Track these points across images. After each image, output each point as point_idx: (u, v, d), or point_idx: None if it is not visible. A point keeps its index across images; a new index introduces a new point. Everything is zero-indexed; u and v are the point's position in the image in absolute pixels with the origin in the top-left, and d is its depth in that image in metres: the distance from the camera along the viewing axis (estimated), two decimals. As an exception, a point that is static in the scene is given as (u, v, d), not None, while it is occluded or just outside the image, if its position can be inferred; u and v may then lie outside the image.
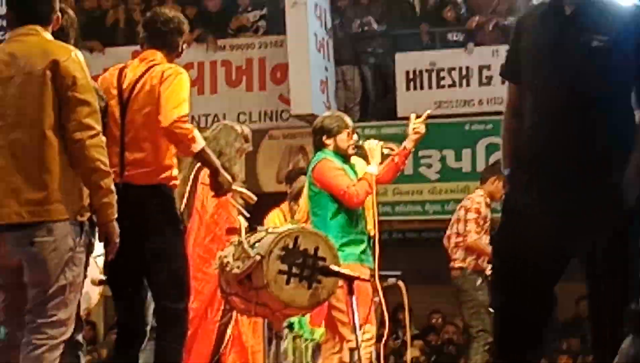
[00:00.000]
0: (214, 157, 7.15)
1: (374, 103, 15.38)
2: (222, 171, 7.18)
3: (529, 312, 5.79)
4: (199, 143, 6.77)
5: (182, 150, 6.96)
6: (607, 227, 5.51)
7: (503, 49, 14.96)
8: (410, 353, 12.00)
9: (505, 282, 5.94)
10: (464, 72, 15.14)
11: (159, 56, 7.00)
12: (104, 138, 6.23)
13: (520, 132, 5.91)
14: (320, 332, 9.10)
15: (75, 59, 6.16)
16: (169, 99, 6.63)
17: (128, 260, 6.79)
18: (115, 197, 6.18)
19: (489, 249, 10.32)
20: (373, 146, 9.03)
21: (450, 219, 12.04)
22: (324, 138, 8.99)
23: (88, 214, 6.19)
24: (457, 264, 11.64)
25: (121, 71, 6.99)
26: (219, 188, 7.13)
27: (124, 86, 6.86)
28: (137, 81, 6.83)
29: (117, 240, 6.19)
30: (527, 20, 6.16)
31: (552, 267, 5.83)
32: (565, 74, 5.66)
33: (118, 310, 7.33)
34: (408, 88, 15.33)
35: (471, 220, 11.52)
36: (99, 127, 6.12)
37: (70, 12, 6.91)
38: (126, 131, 6.81)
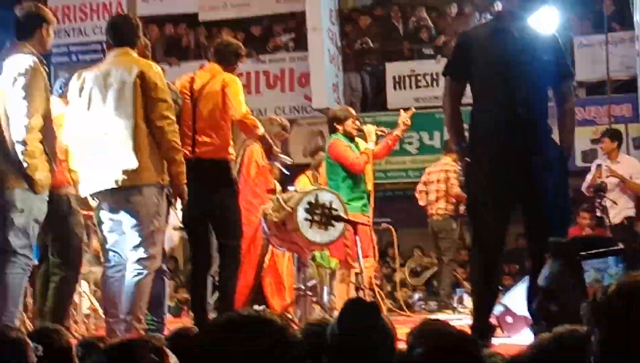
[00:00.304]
0: (268, 137, 7.34)
1: (371, 99, 15.32)
2: (273, 146, 7.50)
3: (494, 234, 5.91)
4: (261, 129, 7.00)
5: (249, 134, 7.21)
6: (537, 179, 5.72)
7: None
8: (398, 276, 11.96)
9: (478, 215, 6.06)
10: (434, 76, 15.05)
11: (219, 68, 7.01)
12: (177, 126, 6.32)
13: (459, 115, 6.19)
14: (334, 261, 9.12)
15: (155, 70, 6.26)
16: (235, 99, 6.77)
17: (199, 212, 6.92)
18: (185, 168, 6.25)
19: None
20: (370, 130, 9.06)
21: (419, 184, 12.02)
22: (336, 124, 9.00)
23: (167, 179, 6.23)
24: (439, 211, 11.56)
25: (192, 78, 7.05)
26: (273, 156, 7.60)
27: (195, 89, 6.91)
28: (204, 86, 6.85)
29: (186, 198, 6.29)
30: (476, 35, 6.32)
31: (505, 207, 5.94)
32: (516, 77, 5.79)
33: (192, 248, 7.41)
34: (395, 88, 15.29)
35: (453, 178, 11.47)
36: (174, 118, 6.23)
37: (147, 40, 7.03)
38: (196, 121, 6.83)
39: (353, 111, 9.51)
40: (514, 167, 5.76)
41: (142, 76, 6.11)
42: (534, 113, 5.87)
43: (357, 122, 9.18)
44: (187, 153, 6.72)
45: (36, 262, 7.09)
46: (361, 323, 2.93)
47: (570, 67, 6.74)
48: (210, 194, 6.86)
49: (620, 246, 3.98)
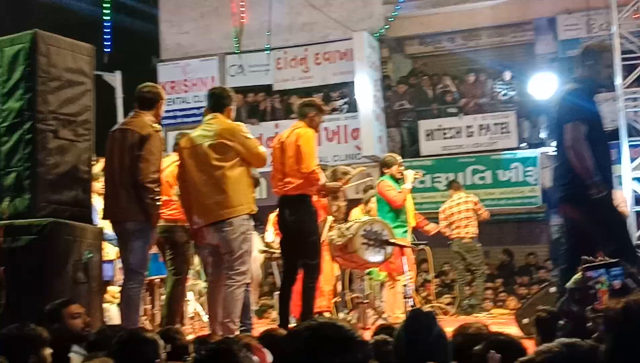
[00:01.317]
0: (329, 184, 7.19)
1: (408, 148, 15.24)
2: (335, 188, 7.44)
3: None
4: (321, 180, 6.77)
5: (309, 186, 6.76)
6: None
7: (480, 117, 15.04)
8: (433, 285, 11.88)
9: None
10: (458, 130, 14.99)
11: (301, 124, 6.85)
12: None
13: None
14: (383, 275, 9.09)
15: (242, 129, 6.26)
16: (306, 154, 6.58)
17: (286, 237, 6.90)
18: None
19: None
20: (408, 174, 9.03)
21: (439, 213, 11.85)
22: (384, 168, 9.03)
23: (253, 211, 6.22)
24: (469, 234, 11.30)
25: (281, 133, 7.03)
26: (333, 196, 7.50)
27: (283, 141, 6.79)
28: (287, 138, 6.75)
29: None
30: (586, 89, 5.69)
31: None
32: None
33: (284, 265, 7.33)
34: (426, 140, 15.23)
35: (480, 208, 11.43)
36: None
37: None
38: (284, 166, 6.70)
39: (399, 158, 9.47)
40: None
41: (232, 133, 6.15)
42: None
43: (401, 168, 9.17)
44: (278, 190, 6.79)
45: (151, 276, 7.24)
46: (424, 328, 2.92)
47: None
48: (294, 221, 6.74)
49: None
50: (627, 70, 11.88)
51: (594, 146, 5.32)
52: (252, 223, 6.45)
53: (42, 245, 5.85)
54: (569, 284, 3.42)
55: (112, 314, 6.67)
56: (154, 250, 7.35)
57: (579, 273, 3.17)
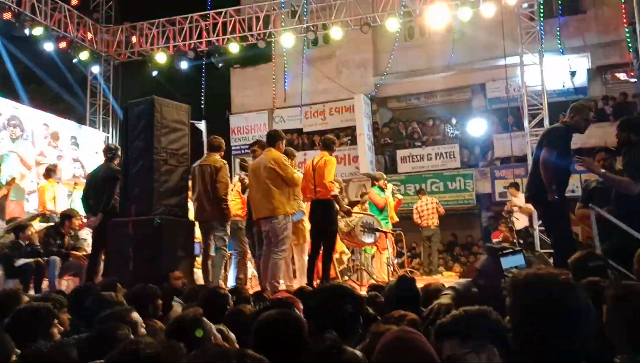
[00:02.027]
0: (338, 197, 6.78)
1: (389, 168, 15.15)
2: (340, 201, 6.86)
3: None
4: (335, 191, 6.53)
5: (326, 192, 6.42)
6: None
7: (436, 148, 14.94)
8: (405, 257, 11.73)
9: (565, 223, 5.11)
10: (421, 156, 14.90)
11: (326, 153, 6.60)
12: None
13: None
14: (373, 250, 9.01)
15: (282, 158, 6.18)
16: (327, 171, 6.40)
17: (315, 231, 6.68)
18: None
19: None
20: (389, 187, 8.99)
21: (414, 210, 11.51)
22: (374, 181, 8.98)
23: (291, 211, 6.17)
24: (433, 224, 10.98)
25: (313, 159, 6.77)
26: (340, 206, 6.77)
27: (314, 164, 6.60)
28: (317, 162, 6.56)
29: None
30: (560, 130, 5.26)
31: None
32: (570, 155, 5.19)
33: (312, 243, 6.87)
34: (402, 162, 15.15)
35: (439, 206, 11.18)
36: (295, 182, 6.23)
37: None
38: (315, 181, 6.50)
39: (384, 175, 9.44)
40: None
41: (277, 162, 6.10)
42: None
43: (385, 181, 9.12)
44: (311, 196, 6.61)
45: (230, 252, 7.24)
46: (409, 285, 2.92)
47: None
48: (322, 220, 6.54)
49: (521, 248, 3.65)
50: (532, 116, 11.78)
51: (555, 164, 5.03)
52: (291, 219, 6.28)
53: (157, 233, 5.91)
54: (478, 265, 3.19)
55: (198, 276, 6.72)
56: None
57: (486, 257, 2.98)
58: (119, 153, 6.91)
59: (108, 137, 14.01)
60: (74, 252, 7.07)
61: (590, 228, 4.82)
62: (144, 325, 2.80)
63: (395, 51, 15.07)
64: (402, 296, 2.95)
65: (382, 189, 8.85)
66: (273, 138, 6.44)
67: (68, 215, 7.21)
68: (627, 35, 12.63)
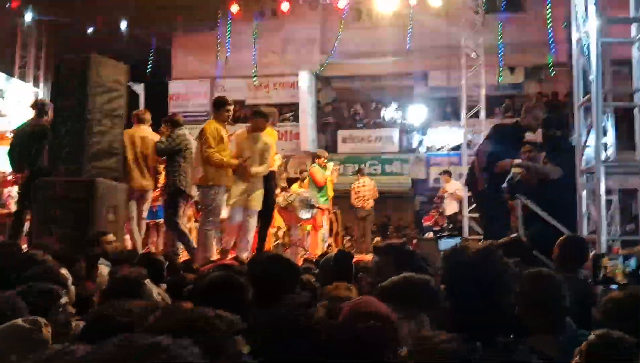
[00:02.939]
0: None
1: (330, 147, 15.16)
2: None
3: None
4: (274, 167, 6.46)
5: None
6: None
7: (376, 131, 15.09)
8: (341, 235, 11.84)
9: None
10: (362, 138, 15.05)
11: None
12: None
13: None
14: (309, 226, 8.94)
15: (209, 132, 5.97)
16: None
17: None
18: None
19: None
20: (330, 165, 9.01)
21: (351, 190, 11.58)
22: (315, 158, 8.98)
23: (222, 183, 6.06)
24: (369, 205, 10.92)
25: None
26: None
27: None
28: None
29: None
30: (503, 129, 5.60)
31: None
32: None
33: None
34: (343, 142, 15.30)
35: (375, 190, 11.12)
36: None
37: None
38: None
39: (325, 154, 9.44)
40: None
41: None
42: None
43: (325, 160, 9.14)
44: None
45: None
46: (346, 259, 2.96)
47: None
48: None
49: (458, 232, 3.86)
50: (469, 108, 12.12)
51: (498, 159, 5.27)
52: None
53: (88, 195, 5.66)
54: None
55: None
56: (161, 202, 7.18)
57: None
58: (49, 109, 6.56)
59: (38, 92, 13.30)
60: None
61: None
62: (72, 285, 2.70)
63: (342, 31, 15.03)
64: (339, 270, 3.00)
65: (323, 167, 8.87)
66: (213, 104, 6.31)
67: None
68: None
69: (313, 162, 9.05)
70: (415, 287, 1.75)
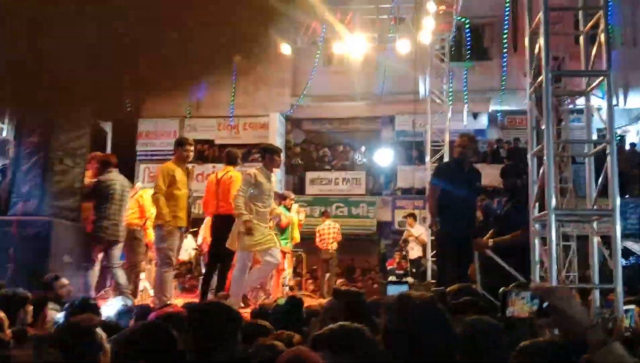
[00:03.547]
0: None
1: (298, 188, 15.22)
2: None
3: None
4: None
5: (231, 207, 6.17)
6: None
7: (343, 173, 15.22)
8: (305, 278, 11.77)
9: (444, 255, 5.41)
10: (329, 180, 15.14)
11: (231, 167, 6.58)
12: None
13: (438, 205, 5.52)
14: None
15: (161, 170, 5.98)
16: (234, 190, 6.09)
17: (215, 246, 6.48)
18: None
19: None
20: (295, 207, 8.96)
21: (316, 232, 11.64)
22: (282, 200, 8.77)
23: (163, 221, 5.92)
24: (333, 248, 10.91)
25: (216, 173, 6.56)
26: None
27: (217, 178, 6.56)
28: (222, 177, 6.51)
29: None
30: (444, 168, 5.71)
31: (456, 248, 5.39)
32: (463, 190, 5.39)
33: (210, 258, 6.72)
34: (310, 184, 15.33)
35: (339, 233, 11.16)
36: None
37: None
38: (218, 196, 6.45)
39: (292, 195, 9.39)
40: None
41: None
42: (469, 210, 5.52)
43: (292, 201, 9.11)
44: (213, 210, 6.45)
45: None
46: (296, 305, 2.96)
47: None
48: (222, 232, 6.27)
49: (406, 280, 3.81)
50: (434, 152, 12.36)
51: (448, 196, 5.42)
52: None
53: (44, 235, 5.60)
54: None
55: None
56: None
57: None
58: (10, 147, 6.48)
59: (2, 128, 13.08)
60: None
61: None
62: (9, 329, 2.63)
63: (313, 75, 15.31)
64: (289, 316, 3.00)
65: (288, 209, 8.85)
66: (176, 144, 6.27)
67: None
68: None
69: (279, 204, 8.97)
70: (349, 336, 1.78)
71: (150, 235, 6.60)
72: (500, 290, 1.74)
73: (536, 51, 5.06)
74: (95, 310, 3.24)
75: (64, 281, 4.52)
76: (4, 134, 12.56)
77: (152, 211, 6.64)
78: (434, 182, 5.61)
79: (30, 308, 3.44)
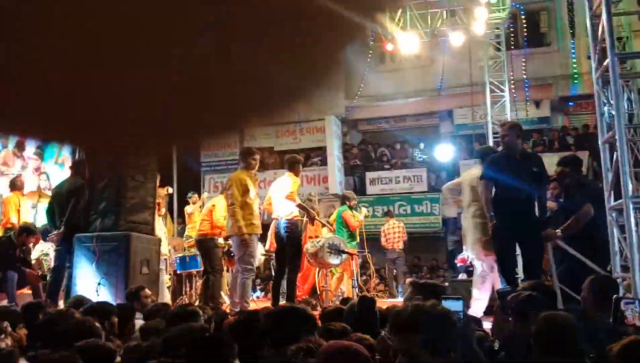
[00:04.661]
0: (303, 204, 6.79)
1: (358, 189, 15.22)
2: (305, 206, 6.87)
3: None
4: (298, 200, 6.53)
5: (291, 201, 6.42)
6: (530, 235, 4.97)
7: (404, 171, 15.11)
8: (372, 279, 11.75)
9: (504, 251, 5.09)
10: (390, 179, 15.07)
11: (291, 173, 6.63)
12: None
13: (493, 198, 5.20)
14: (339, 271, 8.85)
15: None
16: (288, 188, 6.37)
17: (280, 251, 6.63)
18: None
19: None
20: (363, 210, 9.02)
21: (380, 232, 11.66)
22: (346, 201, 8.88)
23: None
24: (399, 247, 11.14)
25: (277, 180, 6.75)
26: (307, 213, 6.84)
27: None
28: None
29: None
30: (493, 160, 5.38)
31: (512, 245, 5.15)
32: (517, 179, 5.03)
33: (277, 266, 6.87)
34: (370, 184, 15.28)
35: (404, 232, 11.30)
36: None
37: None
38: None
39: (355, 195, 9.43)
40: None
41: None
42: (529, 204, 5.10)
43: (355, 202, 9.12)
44: (276, 217, 6.51)
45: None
46: (368, 305, 2.98)
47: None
48: (287, 236, 6.48)
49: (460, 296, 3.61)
50: (496, 144, 12.04)
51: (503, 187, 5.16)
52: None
53: (122, 249, 5.84)
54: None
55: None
56: (193, 252, 7.30)
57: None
58: (85, 167, 6.81)
59: (76, 149, 13.76)
60: (30, 271, 6.87)
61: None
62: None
63: (366, 75, 15.30)
64: (362, 316, 3.00)
65: (353, 209, 8.81)
66: (242, 155, 6.49)
67: (28, 229, 7.04)
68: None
69: (342, 204, 9.00)
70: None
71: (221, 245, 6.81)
72: (613, 297, 1.69)
73: (599, 34, 4.88)
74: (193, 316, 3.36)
75: (148, 292, 4.71)
76: (78, 154, 13.23)
77: (222, 221, 6.84)
78: (485, 175, 5.30)
79: (116, 319, 3.60)
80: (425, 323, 1.72)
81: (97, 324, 2.76)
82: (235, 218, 5.88)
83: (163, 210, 7.01)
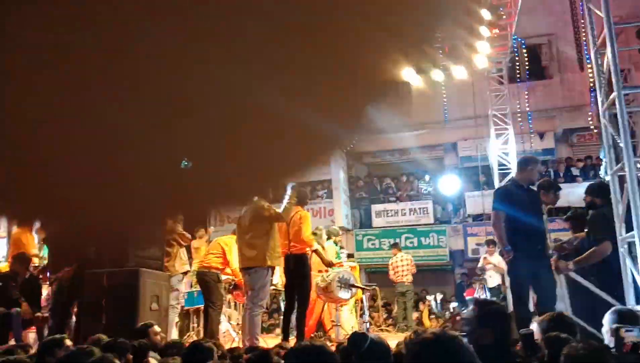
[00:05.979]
0: (319, 250, 6.86)
1: (364, 222, 15.26)
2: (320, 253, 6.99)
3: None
4: (315, 245, 6.58)
5: (302, 247, 6.44)
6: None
7: (409, 204, 15.09)
8: (381, 313, 11.66)
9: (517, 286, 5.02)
10: (396, 211, 15.06)
11: (300, 207, 6.56)
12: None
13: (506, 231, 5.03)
14: (352, 302, 8.68)
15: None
16: (306, 228, 6.41)
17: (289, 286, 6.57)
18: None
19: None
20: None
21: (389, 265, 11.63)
22: (331, 236, 8.73)
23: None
24: (408, 280, 11.06)
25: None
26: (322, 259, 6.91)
27: (287, 218, 6.43)
28: (292, 217, 6.51)
29: None
30: (503, 191, 5.32)
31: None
32: (528, 211, 5.01)
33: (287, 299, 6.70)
34: (376, 217, 15.26)
35: (413, 264, 11.24)
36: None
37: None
38: (290, 236, 6.46)
39: (339, 231, 9.34)
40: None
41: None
42: (542, 235, 5.08)
43: (341, 239, 8.99)
44: (286, 250, 6.44)
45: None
46: (358, 342, 2.92)
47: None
48: (296, 271, 6.42)
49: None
50: (502, 176, 12.12)
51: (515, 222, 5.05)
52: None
53: (132, 284, 5.81)
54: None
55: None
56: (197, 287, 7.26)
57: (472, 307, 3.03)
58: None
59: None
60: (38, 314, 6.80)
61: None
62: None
63: (370, 108, 15.43)
64: (353, 351, 2.92)
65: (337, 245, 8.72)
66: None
67: (21, 258, 7.02)
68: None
69: (328, 239, 8.66)
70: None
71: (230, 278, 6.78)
72: (613, 327, 1.70)
73: (604, 67, 4.96)
74: (208, 353, 3.34)
75: (157, 328, 4.67)
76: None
77: (233, 255, 6.84)
78: (496, 207, 5.16)
79: (130, 356, 3.58)
80: None
81: (117, 361, 2.75)
82: (264, 249, 5.94)
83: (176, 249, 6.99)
